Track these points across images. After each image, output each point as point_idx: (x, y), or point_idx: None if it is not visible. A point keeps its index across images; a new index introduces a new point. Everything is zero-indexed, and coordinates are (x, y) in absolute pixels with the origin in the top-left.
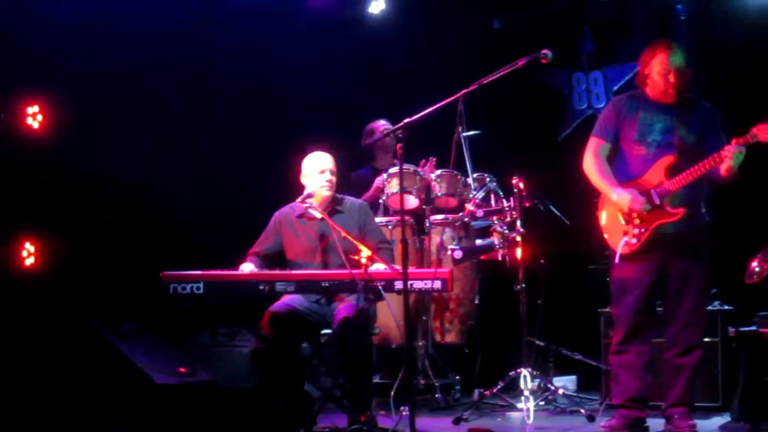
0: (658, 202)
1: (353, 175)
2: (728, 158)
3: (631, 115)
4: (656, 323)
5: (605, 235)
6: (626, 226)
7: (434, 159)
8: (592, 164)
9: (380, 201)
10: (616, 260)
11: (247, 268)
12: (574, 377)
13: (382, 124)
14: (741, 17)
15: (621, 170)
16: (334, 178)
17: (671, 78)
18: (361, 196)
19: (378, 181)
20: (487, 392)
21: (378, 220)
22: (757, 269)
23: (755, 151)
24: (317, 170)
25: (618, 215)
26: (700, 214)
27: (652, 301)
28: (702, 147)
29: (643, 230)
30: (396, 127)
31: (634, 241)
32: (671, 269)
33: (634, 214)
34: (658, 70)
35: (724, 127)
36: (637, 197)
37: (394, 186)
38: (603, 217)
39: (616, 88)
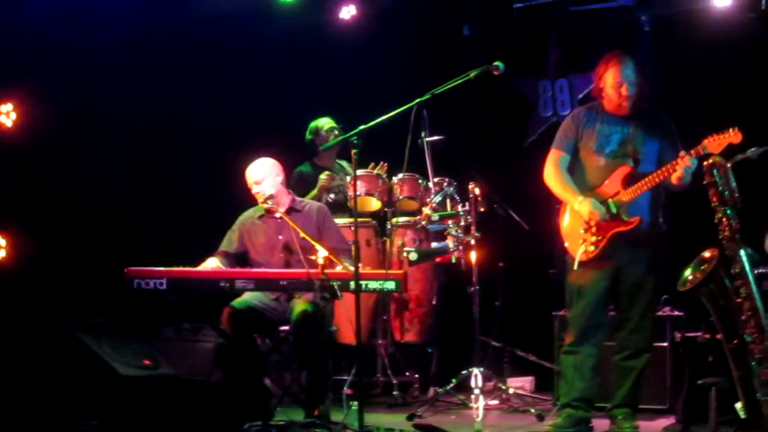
0: (615, 211)
1: (295, 171)
2: (680, 168)
3: (590, 126)
4: (607, 327)
5: (566, 243)
6: (585, 234)
7: (385, 164)
8: (553, 175)
9: (329, 200)
10: (575, 267)
11: (212, 262)
12: (531, 378)
13: (327, 122)
14: (703, 27)
15: (581, 180)
16: (261, 188)
17: (624, 91)
18: (302, 191)
19: (323, 180)
20: (440, 390)
21: (341, 221)
22: (690, 277)
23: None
24: (248, 182)
25: (578, 223)
26: (657, 222)
27: (605, 305)
28: (659, 156)
29: (600, 238)
30: (351, 133)
31: (591, 248)
32: (626, 276)
33: (593, 222)
34: (611, 83)
35: (686, 136)
36: (596, 206)
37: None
38: (564, 225)
39: (581, 96)
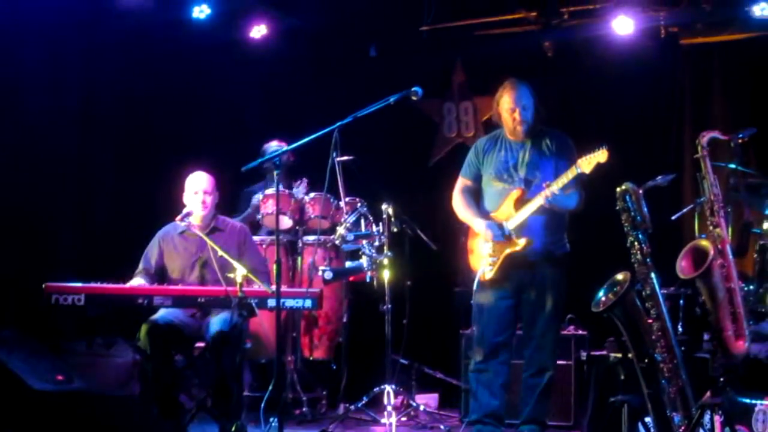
0: (508, 233)
1: (246, 191)
2: (548, 195)
3: (490, 154)
4: (513, 345)
5: (472, 265)
6: (485, 256)
7: (307, 180)
8: (457, 201)
9: (258, 218)
10: (474, 287)
11: (137, 284)
12: (435, 395)
13: (274, 145)
14: (605, 54)
15: (483, 206)
16: (208, 198)
17: (517, 115)
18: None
19: (254, 200)
20: (351, 407)
21: (254, 238)
22: (603, 299)
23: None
24: (192, 191)
25: (481, 245)
26: (554, 243)
27: (511, 323)
28: (557, 177)
29: (495, 259)
30: (274, 154)
31: (488, 269)
32: (525, 296)
33: (490, 244)
34: (506, 108)
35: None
36: (492, 227)
37: (268, 207)
38: (471, 246)
39: (485, 118)
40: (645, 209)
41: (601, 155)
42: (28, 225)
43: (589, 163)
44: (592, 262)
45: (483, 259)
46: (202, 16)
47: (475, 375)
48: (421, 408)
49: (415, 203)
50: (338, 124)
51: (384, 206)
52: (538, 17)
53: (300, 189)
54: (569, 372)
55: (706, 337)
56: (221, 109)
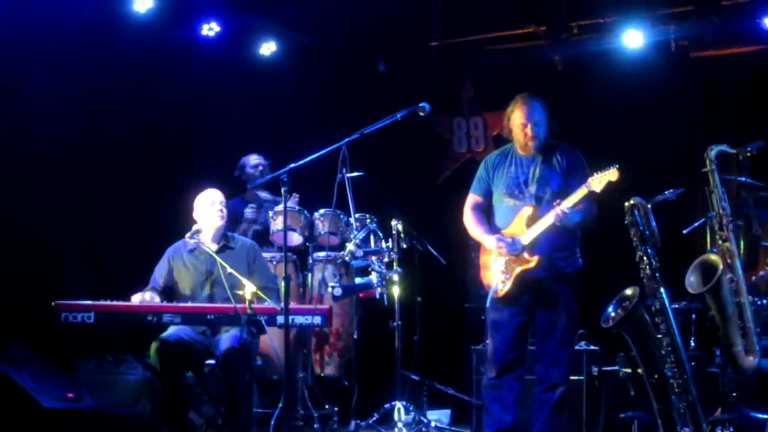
0: (520, 246)
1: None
2: (558, 214)
3: (500, 169)
4: (526, 360)
5: (485, 281)
6: (497, 272)
7: (297, 195)
8: (467, 217)
9: (253, 230)
10: (488, 304)
11: (148, 296)
12: (447, 411)
13: (254, 158)
14: (615, 68)
15: (494, 222)
16: (225, 209)
17: (528, 131)
18: (233, 225)
19: (248, 213)
20: (362, 423)
21: (263, 254)
22: (612, 314)
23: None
24: (208, 203)
25: (492, 262)
26: (567, 260)
27: (524, 339)
28: (567, 192)
29: (508, 276)
30: (281, 171)
31: (501, 286)
32: (538, 312)
33: (503, 260)
34: (517, 123)
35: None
36: (503, 239)
37: (279, 223)
38: (484, 262)
39: (495, 133)
40: (653, 224)
41: (612, 174)
42: (35, 240)
43: (599, 182)
44: (602, 277)
45: (496, 275)
46: (212, 33)
47: (488, 390)
48: (433, 424)
49: (425, 219)
50: (346, 140)
51: (394, 222)
52: (548, 32)
53: (290, 204)
54: (580, 387)
55: (718, 352)
56: (229, 125)
